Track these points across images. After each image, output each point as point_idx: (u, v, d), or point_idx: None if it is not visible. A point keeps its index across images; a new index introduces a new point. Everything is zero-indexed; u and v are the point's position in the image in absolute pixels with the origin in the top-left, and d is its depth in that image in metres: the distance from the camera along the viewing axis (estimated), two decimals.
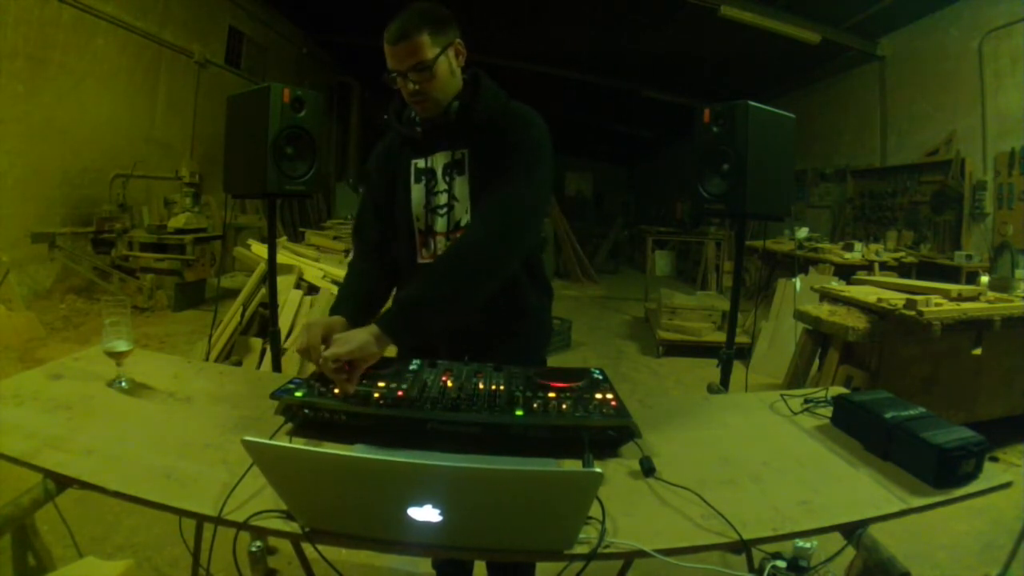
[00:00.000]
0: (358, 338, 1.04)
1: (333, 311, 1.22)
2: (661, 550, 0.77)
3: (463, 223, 1.25)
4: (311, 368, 1.10)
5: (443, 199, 1.26)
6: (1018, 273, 3.89)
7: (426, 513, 0.71)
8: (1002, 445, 3.01)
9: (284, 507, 0.79)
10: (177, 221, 5.66)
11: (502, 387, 1.09)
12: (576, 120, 12.85)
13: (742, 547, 0.81)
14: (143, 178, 6.24)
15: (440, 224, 1.27)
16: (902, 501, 0.90)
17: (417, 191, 1.28)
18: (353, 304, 1.26)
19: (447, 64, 1.18)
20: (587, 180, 16.77)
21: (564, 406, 1.02)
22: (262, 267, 3.57)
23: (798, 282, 4.46)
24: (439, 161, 1.26)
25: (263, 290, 3.51)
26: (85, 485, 0.88)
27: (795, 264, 5.54)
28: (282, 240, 4.70)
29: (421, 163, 1.28)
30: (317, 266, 3.93)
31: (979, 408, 3.00)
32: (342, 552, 1.78)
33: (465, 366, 1.19)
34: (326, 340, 1.06)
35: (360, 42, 9.24)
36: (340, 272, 3.87)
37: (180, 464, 0.93)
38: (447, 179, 1.25)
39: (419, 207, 1.28)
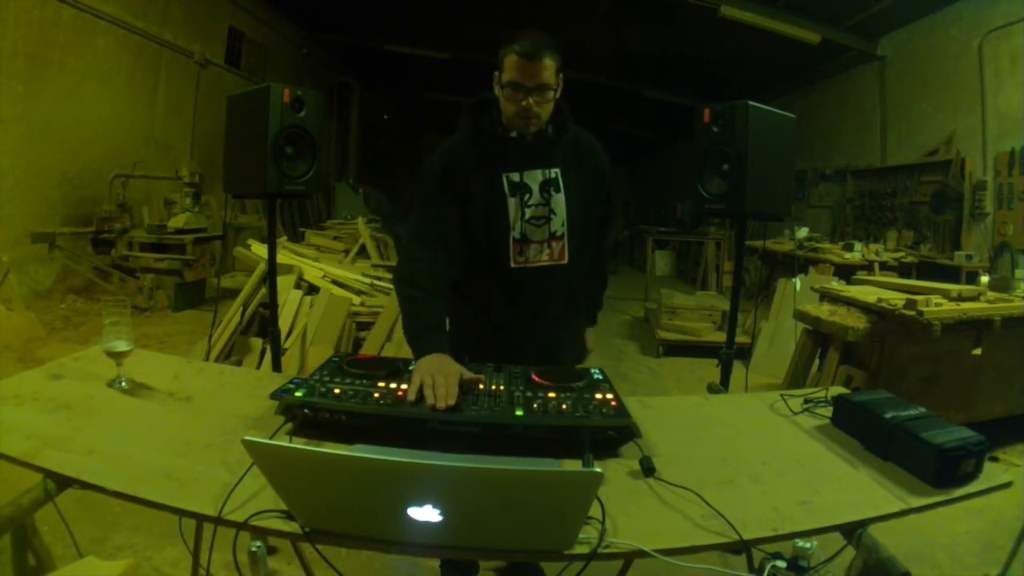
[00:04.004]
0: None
1: (433, 342, 1.18)
2: (661, 550, 0.77)
3: (558, 233, 1.42)
4: (311, 368, 1.10)
5: (541, 211, 1.39)
6: (1018, 273, 3.88)
7: (426, 513, 0.71)
8: (1002, 445, 3.01)
9: (284, 507, 0.79)
10: (177, 221, 5.66)
11: (502, 387, 1.09)
12: (576, 120, 12.80)
13: (742, 547, 0.81)
14: (143, 178, 6.24)
15: (538, 234, 1.40)
16: (902, 501, 0.90)
17: (513, 203, 1.38)
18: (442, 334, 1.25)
19: (555, 92, 1.33)
20: None
21: (564, 406, 1.02)
22: (262, 267, 3.57)
23: (798, 282, 4.46)
24: (535, 177, 1.39)
25: (263, 290, 3.51)
26: (85, 485, 0.87)
27: (795, 264, 5.55)
28: (282, 240, 4.70)
29: (515, 177, 1.38)
30: (317, 266, 3.92)
31: (979, 408, 2.99)
32: (342, 552, 1.78)
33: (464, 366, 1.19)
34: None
35: (360, 42, 9.23)
36: (340, 272, 3.86)
37: (180, 464, 0.93)
38: (545, 195, 1.39)
39: (516, 218, 1.38)
